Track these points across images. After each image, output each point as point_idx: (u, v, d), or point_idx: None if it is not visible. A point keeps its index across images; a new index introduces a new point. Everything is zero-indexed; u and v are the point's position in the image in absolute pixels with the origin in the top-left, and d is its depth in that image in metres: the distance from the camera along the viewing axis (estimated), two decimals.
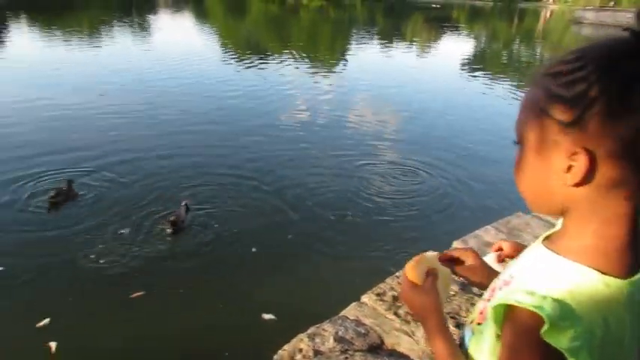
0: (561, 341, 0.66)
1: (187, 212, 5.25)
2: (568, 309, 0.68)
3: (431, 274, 1.06)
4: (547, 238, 0.85)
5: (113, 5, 48.83)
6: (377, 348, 2.56)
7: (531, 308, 0.69)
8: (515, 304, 0.71)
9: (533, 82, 0.78)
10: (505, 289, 0.80)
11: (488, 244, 3.41)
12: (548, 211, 0.83)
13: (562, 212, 0.79)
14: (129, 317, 3.85)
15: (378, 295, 2.90)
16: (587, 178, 0.71)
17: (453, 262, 1.18)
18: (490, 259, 1.28)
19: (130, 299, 4.01)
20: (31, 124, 8.41)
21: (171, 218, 5.05)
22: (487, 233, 3.58)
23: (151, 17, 38.09)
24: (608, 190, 0.71)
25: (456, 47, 25.39)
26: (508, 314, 0.74)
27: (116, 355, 3.53)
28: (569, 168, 0.72)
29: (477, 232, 3.60)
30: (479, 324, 0.90)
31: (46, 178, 6.20)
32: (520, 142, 0.81)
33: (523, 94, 0.81)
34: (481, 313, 0.90)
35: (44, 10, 38.66)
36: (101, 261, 4.52)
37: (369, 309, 2.82)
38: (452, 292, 2.89)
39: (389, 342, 2.58)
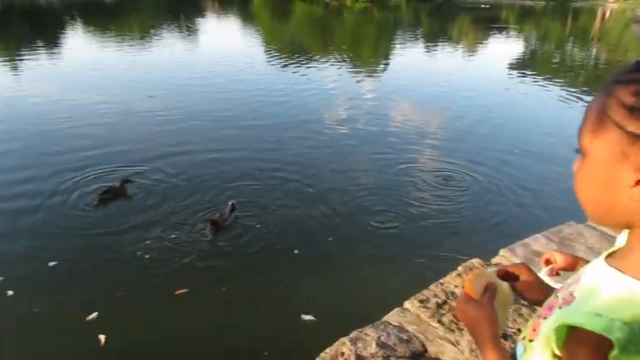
0: None
1: (232, 212, 5.33)
2: (638, 331, 0.64)
3: (489, 288, 1.03)
4: (610, 255, 0.81)
5: (163, 10, 50.38)
6: (419, 356, 2.51)
7: (599, 331, 0.65)
8: (581, 326, 0.68)
9: (603, 89, 0.73)
10: (566, 309, 0.76)
11: (538, 254, 3.29)
12: (610, 224, 0.79)
13: (626, 226, 0.76)
14: (172, 313, 3.95)
15: (421, 301, 2.84)
16: None
17: (508, 277, 1.12)
18: (543, 273, 1.22)
19: (174, 296, 4.11)
20: (85, 124, 8.81)
21: (214, 217, 5.14)
22: (536, 242, 3.45)
23: (199, 21, 39.04)
24: None
25: (504, 48, 24.71)
26: (571, 335, 0.71)
27: (160, 350, 3.62)
28: (638, 182, 0.68)
29: (525, 240, 3.48)
30: (531, 341, 0.86)
31: (98, 175, 6.48)
32: (583, 151, 0.76)
33: (590, 101, 0.77)
34: (534, 330, 0.86)
35: (98, 14, 40.35)
36: (147, 257, 4.67)
37: (411, 315, 2.77)
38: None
39: (432, 350, 2.52)
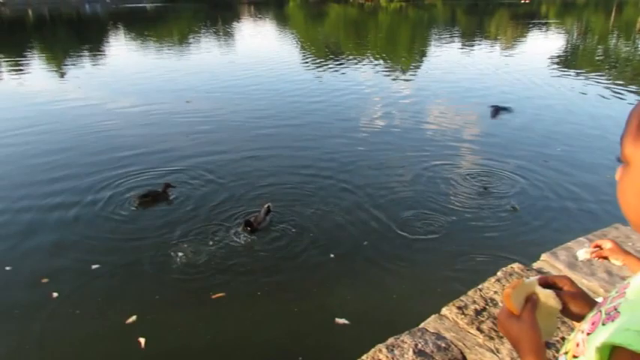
0: None
1: (268, 214, 5.37)
2: None
3: (529, 301, 1.00)
4: None
5: (201, 16, 51.42)
6: None
7: None
8: (626, 346, 0.65)
9: None
10: (610, 326, 0.73)
11: None
12: None
13: None
14: (209, 317, 3.99)
15: (459, 308, 2.79)
16: None
17: (549, 287, 1.08)
18: (582, 251, 1.18)
19: (210, 299, 4.16)
20: (125, 129, 9.12)
21: (251, 219, 5.19)
22: (580, 246, 3.33)
23: (236, 25, 39.63)
24: None
25: (544, 44, 24.00)
26: (616, 355, 0.68)
27: (198, 353, 3.67)
28: None
29: (568, 244, 3.36)
30: (574, 357, 0.83)
31: (139, 178, 6.70)
32: (626, 160, 0.74)
33: (632, 108, 0.74)
34: (577, 345, 0.83)
35: (140, 22, 41.52)
36: (184, 261, 4.75)
37: (449, 322, 2.72)
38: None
39: (471, 358, 2.47)
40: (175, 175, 6.78)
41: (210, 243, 5.05)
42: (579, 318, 0.99)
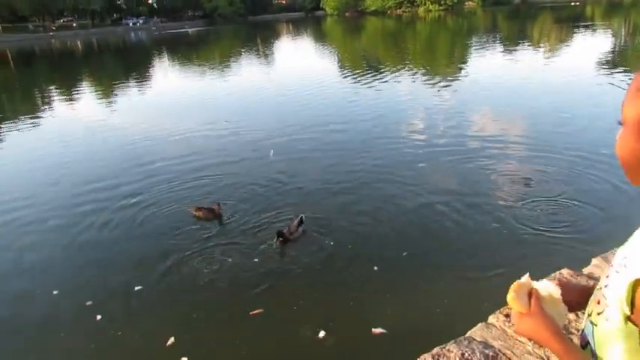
0: None
1: (300, 225, 5.35)
2: None
3: (532, 295, 1.06)
4: None
5: (242, 36, 52.80)
6: None
7: None
8: None
9: None
10: (625, 271, 0.82)
11: None
12: None
13: None
14: (249, 334, 3.97)
15: (507, 315, 2.71)
16: None
17: None
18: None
19: (249, 316, 4.15)
20: (166, 150, 9.38)
21: (284, 230, 5.21)
22: None
23: (275, 44, 40.39)
24: None
25: (590, 46, 23.23)
26: (638, 293, 0.77)
27: None
28: None
29: (620, 247, 3.22)
30: (599, 314, 0.90)
31: (178, 198, 6.88)
32: (625, 123, 0.86)
33: (633, 79, 0.85)
34: (598, 302, 0.91)
35: (183, 47, 42.99)
36: (222, 278, 4.77)
37: (497, 330, 2.65)
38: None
39: None
40: (212, 193, 6.94)
41: (247, 259, 5.06)
42: (580, 306, 1.07)
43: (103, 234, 5.97)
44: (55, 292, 4.76)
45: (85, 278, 5.02)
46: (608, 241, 3.77)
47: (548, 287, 1.09)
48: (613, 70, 15.41)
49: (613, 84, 13.12)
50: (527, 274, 1.13)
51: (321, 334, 3.86)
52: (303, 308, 4.25)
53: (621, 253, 0.89)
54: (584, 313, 1.01)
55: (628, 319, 0.81)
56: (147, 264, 5.17)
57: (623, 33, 30.72)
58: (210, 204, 6.22)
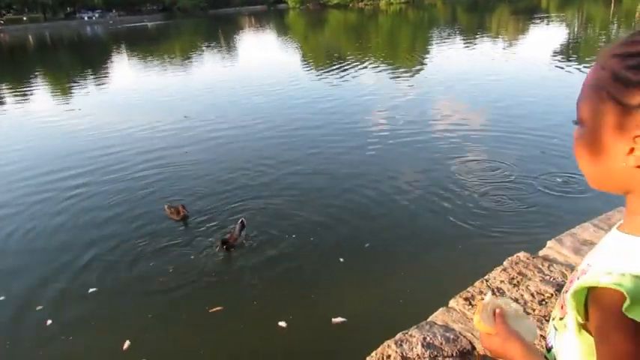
0: None
1: (243, 229, 5.28)
2: None
3: (497, 315, 1.06)
4: (619, 226, 0.84)
5: (203, 30, 51.92)
6: (468, 354, 2.46)
7: (611, 286, 0.69)
8: (595, 284, 0.72)
9: (599, 62, 0.77)
10: (583, 277, 0.79)
11: (586, 243, 3.16)
12: (608, 189, 0.83)
13: (624, 191, 0.80)
14: (209, 331, 3.91)
15: (466, 299, 2.78)
16: None
17: None
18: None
19: (208, 314, 4.07)
20: (125, 148, 9.11)
21: (227, 236, 5.12)
22: (585, 231, 3.31)
23: (237, 38, 39.91)
24: None
25: (546, 37, 23.91)
26: (591, 298, 0.75)
27: None
28: (632, 150, 0.72)
29: (573, 230, 3.35)
30: (561, 319, 0.89)
31: (138, 199, 6.65)
32: (581, 122, 0.80)
33: (587, 74, 0.80)
34: (562, 307, 0.88)
35: (141, 41, 41.97)
36: (179, 277, 4.66)
37: (457, 314, 2.72)
38: (548, 295, 2.71)
39: (480, 347, 2.46)
40: (166, 189, 6.82)
41: (203, 261, 4.95)
42: None
43: (56, 235, 5.73)
44: (0, 298, 4.55)
45: (35, 281, 4.78)
46: (563, 224, 3.91)
47: (510, 303, 1.09)
48: (567, 61, 15.92)
49: (569, 72, 13.59)
50: (490, 293, 1.14)
51: (282, 324, 3.85)
52: (263, 303, 4.21)
53: (587, 259, 0.86)
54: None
55: (582, 326, 0.80)
56: (102, 265, 4.99)
57: (576, 24, 31.74)
58: (177, 204, 6.02)
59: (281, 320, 3.90)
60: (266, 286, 4.46)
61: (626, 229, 0.79)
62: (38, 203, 6.72)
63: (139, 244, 5.35)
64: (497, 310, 1.06)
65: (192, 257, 5.02)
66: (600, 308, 0.72)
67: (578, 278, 0.82)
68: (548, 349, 0.95)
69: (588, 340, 0.79)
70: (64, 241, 5.58)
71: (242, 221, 5.35)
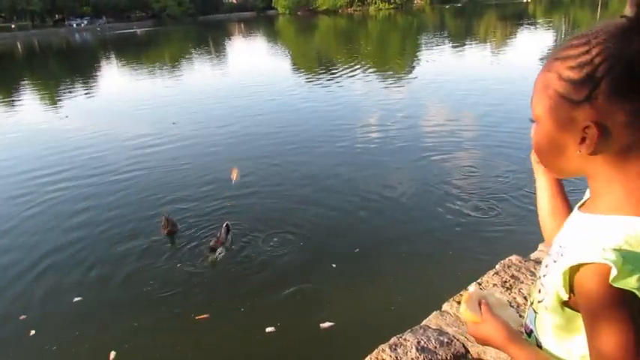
0: (630, 283, 0.73)
1: (228, 233, 5.26)
2: (629, 254, 0.75)
3: (482, 304, 1.10)
4: (580, 207, 0.94)
5: (192, 37, 51.85)
6: (461, 357, 2.46)
7: (597, 261, 0.75)
8: (581, 262, 0.78)
9: (545, 66, 0.87)
10: (562, 259, 0.85)
11: None
12: (568, 175, 0.95)
13: (582, 175, 0.89)
14: (195, 339, 3.86)
15: (459, 303, 2.79)
16: (600, 147, 0.80)
17: None
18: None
19: (194, 323, 4.03)
20: (114, 155, 9.06)
21: (212, 242, 5.08)
22: None
23: (227, 44, 39.89)
24: (628, 152, 0.81)
25: (534, 42, 24.20)
26: (577, 279, 0.80)
27: None
28: (583, 140, 0.81)
29: None
30: (539, 302, 0.94)
31: (124, 206, 6.58)
32: (536, 119, 0.89)
33: (537, 77, 0.89)
34: (539, 291, 0.95)
35: (131, 47, 41.82)
36: (165, 287, 4.59)
37: (450, 317, 2.73)
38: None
39: (474, 351, 2.47)
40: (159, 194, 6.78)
41: (188, 268, 4.88)
42: None
43: (40, 242, 5.65)
44: None
45: (18, 290, 4.71)
46: None
47: (494, 293, 1.14)
48: None
49: None
50: (475, 284, 1.17)
51: (270, 329, 3.83)
52: (251, 309, 4.17)
53: (557, 242, 0.93)
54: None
55: (565, 304, 0.86)
56: (88, 274, 4.92)
57: (563, 29, 32.14)
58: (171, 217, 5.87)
59: (269, 326, 3.87)
60: (254, 293, 4.42)
61: (590, 209, 0.88)
62: (21, 207, 6.69)
63: (125, 252, 5.29)
64: (483, 300, 1.10)
65: (178, 265, 4.96)
66: (588, 284, 0.78)
67: (555, 261, 0.89)
68: (529, 334, 1.02)
69: (568, 315, 0.87)
70: (49, 249, 5.49)
71: (227, 225, 5.32)
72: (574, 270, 0.80)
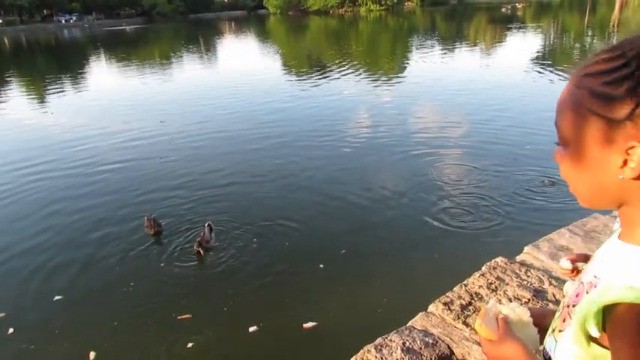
0: None
1: (211, 232, 5.25)
2: None
3: (500, 320, 1.02)
4: (620, 235, 0.84)
5: (182, 35, 51.55)
6: (446, 358, 2.47)
7: (636, 301, 0.69)
8: (619, 301, 0.72)
9: (572, 83, 0.79)
10: (596, 292, 0.78)
11: (562, 248, 3.22)
12: (603, 205, 0.83)
13: (619, 204, 0.80)
14: (176, 339, 3.81)
15: (445, 304, 2.80)
16: None
17: None
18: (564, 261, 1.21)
19: (176, 323, 3.99)
20: (106, 154, 8.97)
21: (198, 239, 5.07)
22: (561, 237, 3.37)
23: (217, 42, 39.72)
24: None
25: (523, 45, 24.40)
26: (610, 314, 0.74)
27: None
28: (625, 162, 0.73)
29: (549, 235, 3.40)
30: (561, 331, 0.89)
31: (107, 204, 6.51)
32: (565, 142, 0.81)
33: (560, 96, 0.81)
34: (564, 320, 0.88)
35: (120, 45, 41.47)
36: (147, 286, 4.56)
37: (436, 318, 2.73)
38: (525, 300, 2.75)
39: (459, 352, 2.48)
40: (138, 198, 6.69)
41: (170, 268, 4.84)
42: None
43: (19, 240, 5.57)
44: None
45: None
46: (539, 230, 3.97)
47: (515, 309, 1.05)
48: (543, 68, 16.24)
49: (543, 79, 13.87)
50: (494, 299, 1.08)
51: (253, 329, 3.81)
52: (234, 309, 4.14)
53: (590, 270, 0.85)
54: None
55: (592, 339, 0.79)
56: (68, 272, 4.86)
57: (552, 33, 32.45)
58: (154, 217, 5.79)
59: (252, 325, 3.85)
60: (237, 292, 4.39)
61: (630, 239, 0.79)
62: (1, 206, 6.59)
63: (107, 251, 5.23)
64: (501, 316, 1.02)
65: (162, 265, 4.92)
66: (625, 323, 0.72)
67: (587, 292, 0.81)
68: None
69: (594, 353, 0.80)
70: (29, 246, 5.43)
71: (209, 224, 5.30)
72: (609, 307, 0.73)
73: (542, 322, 1.06)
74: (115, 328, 4.02)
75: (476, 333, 1.03)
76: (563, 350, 0.86)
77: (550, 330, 0.96)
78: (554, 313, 1.07)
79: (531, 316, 1.04)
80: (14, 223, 6.12)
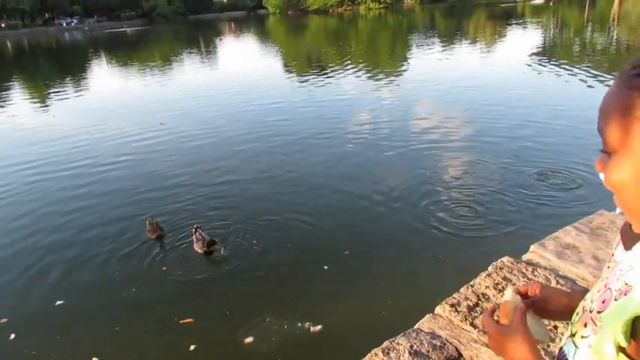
0: None
1: (203, 231, 5.24)
2: None
3: (517, 310, 1.01)
4: None
5: (183, 36, 51.56)
6: None
7: None
8: None
9: (621, 84, 0.72)
10: (626, 300, 0.73)
11: (569, 246, 3.19)
12: None
13: None
14: (178, 344, 3.80)
15: (452, 305, 2.78)
16: None
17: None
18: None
19: (178, 327, 3.98)
20: (103, 157, 8.95)
21: (200, 241, 5.07)
22: (567, 234, 3.34)
23: (217, 43, 39.70)
24: None
25: (523, 41, 24.32)
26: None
27: None
28: None
29: (555, 233, 3.37)
30: (583, 337, 0.83)
31: (108, 209, 6.48)
32: (613, 150, 0.74)
33: (604, 99, 0.75)
34: (585, 325, 0.83)
35: (121, 47, 41.50)
36: (149, 290, 4.56)
37: (443, 320, 2.71)
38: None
39: (467, 354, 2.46)
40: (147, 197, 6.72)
41: (172, 272, 4.83)
42: (561, 316, 1.01)
43: (22, 246, 5.57)
44: None
45: (2, 296, 4.65)
46: (545, 228, 3.95)
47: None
48: (544, 62, 16.18)
49: (544, 74, 13.82)
50: (511, 289, 1.07)
51: (256, 332, 3.79)
52: (237, 313, 4.12)
53: (621, 277, 0.79)
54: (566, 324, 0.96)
55: (622, 350, 0.75)
56: (70, 277, 4.87)
57: (552, 28, 32.35)
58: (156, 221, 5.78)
59: (257, 329, 3.82)
60: (240, 295, 4.38)
61: None
62: (4, 209, 6.62)
63: (108, 256, 5.23)
64: (519, 307, 1.02)
65: (163, 268, 4.91)
66: None
67: (616, 299, 0.76)
68: None
69: None
70: (31, 251, 5.44)
71: (195, 228, 5.24)
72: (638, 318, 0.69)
73: (545, 307, 1.06)
74: (117, 332, 4.01)
75: (483, 331, 1.01)
76: (584, 357, 0.82)
77: (569, 333, 0.91)
78: (558, 297, 1.07)
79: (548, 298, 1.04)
80: (15, 226, 6.13)
